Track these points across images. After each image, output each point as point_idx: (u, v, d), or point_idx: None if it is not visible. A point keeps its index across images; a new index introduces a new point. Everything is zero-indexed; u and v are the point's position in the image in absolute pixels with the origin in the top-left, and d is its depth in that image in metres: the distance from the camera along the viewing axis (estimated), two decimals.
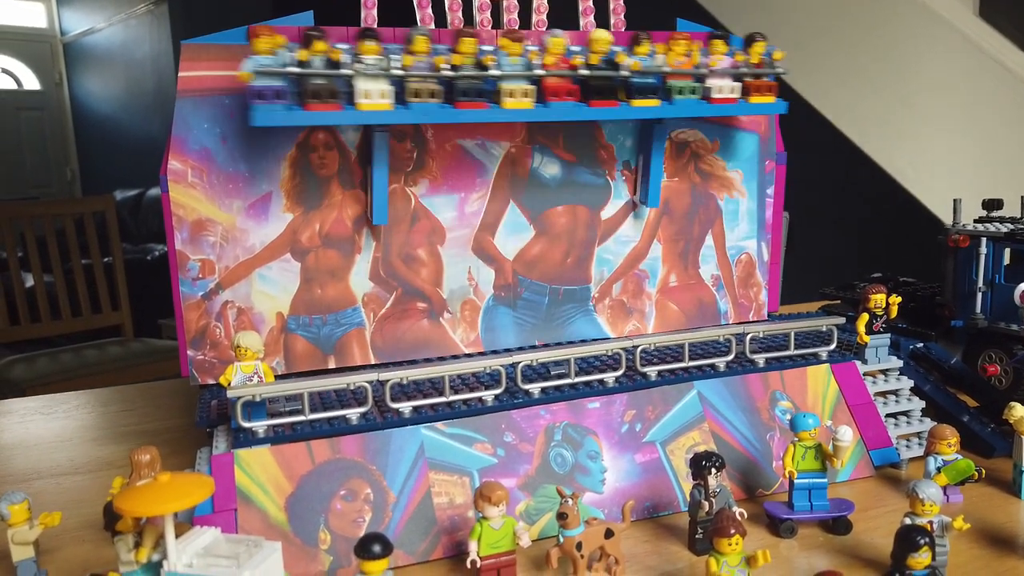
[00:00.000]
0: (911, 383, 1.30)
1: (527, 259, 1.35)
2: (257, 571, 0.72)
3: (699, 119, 1.40)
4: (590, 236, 1.38)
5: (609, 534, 0.90)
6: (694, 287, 1.46)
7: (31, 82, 7.55)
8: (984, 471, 1.11)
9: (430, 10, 1.23)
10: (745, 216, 1.47)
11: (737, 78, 1.26)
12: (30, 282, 3.40)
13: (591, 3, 1.32)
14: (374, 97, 1.06)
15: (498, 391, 1.10)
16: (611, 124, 1.36)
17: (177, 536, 0.73)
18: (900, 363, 1.31)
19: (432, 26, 1.24)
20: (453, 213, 1.30)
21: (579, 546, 0.88)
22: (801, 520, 1.04)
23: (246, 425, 0.99)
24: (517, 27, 1.28)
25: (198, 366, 1.20)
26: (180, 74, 1.12)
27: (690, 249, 1.45)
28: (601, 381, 1.16)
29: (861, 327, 1.28)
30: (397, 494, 1.01)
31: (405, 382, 1.10)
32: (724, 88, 1.25)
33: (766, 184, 1.48)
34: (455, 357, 1.30)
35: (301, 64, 1.02)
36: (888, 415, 1.26)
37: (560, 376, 1.14)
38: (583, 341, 1.37)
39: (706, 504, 0.97)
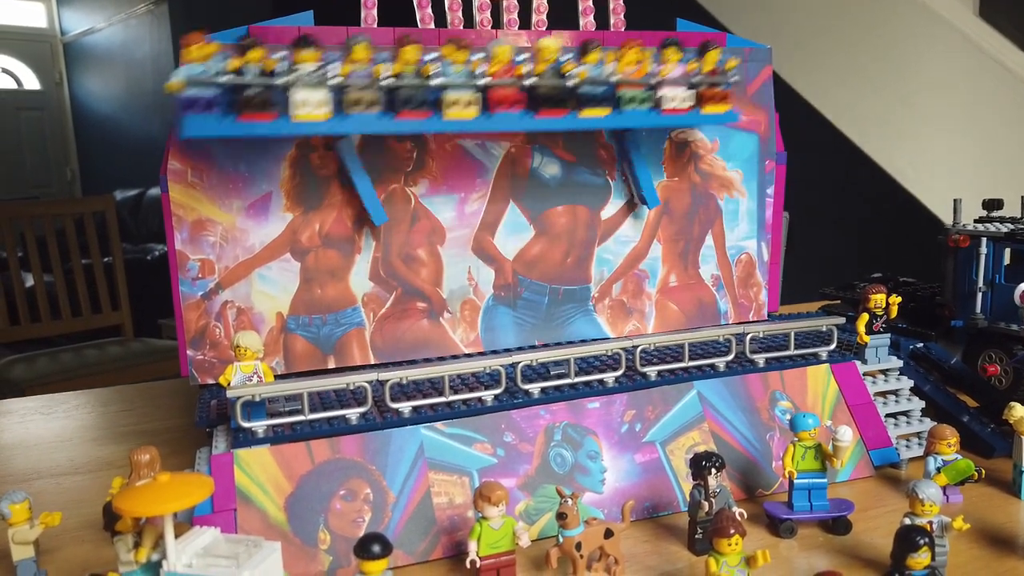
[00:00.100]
0: (911, 383, 1.30)
1: (527, 259, 1.35)
2: (256, 571, 0.72)
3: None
4: (590, 236, 1.38)
5: (609, 534, 0.90)
6: (694, 287, 1.46)
7: (31, 82, 7.55)
8: (984, 471, 1.11)
9: (430, 10, 1.23)
10: (745, 216, 1.47)
11: (691, 87, 1.22)
12: (30, 282, 3.41)
13: (591, 3, 1.32)
14: (310, 107, 1.02)
15: (498, 391, 1.10)
16: None
17: (176, 536, 0.73)
18: (900, 363, 1.31)
19: (432, 26, 1.24)
20: (453, 213, 1.30)
21: (579, 546, 0.88)
22: (801, 520, 1.04)
23: (246, 425, 0.99)
24: (517, 27, 1.28)
25: (198, 366, 1.20)
26: None
27: (690, 249, 1.45)
28: (601, 381, 1.16)
29: (861, 327, 1.28)
30: (397, 494, 1.01)
31: (405, 382, 1.10)
32: (676, 97, 1.20)
33: (766, 184, 1.48)
34: (455, 357, 1.30)
35: (234, 73, 0.99)
36: (888, 415, 1.26)
37: (560, 376, 1.14)
38: (583, 341, 1.37)
39: (706, 504, 0.97)
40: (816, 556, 0.99)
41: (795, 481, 1.04)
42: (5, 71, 7.40)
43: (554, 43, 1.12)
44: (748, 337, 1.25)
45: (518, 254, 1.35)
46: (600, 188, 1.38)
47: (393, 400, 1.06)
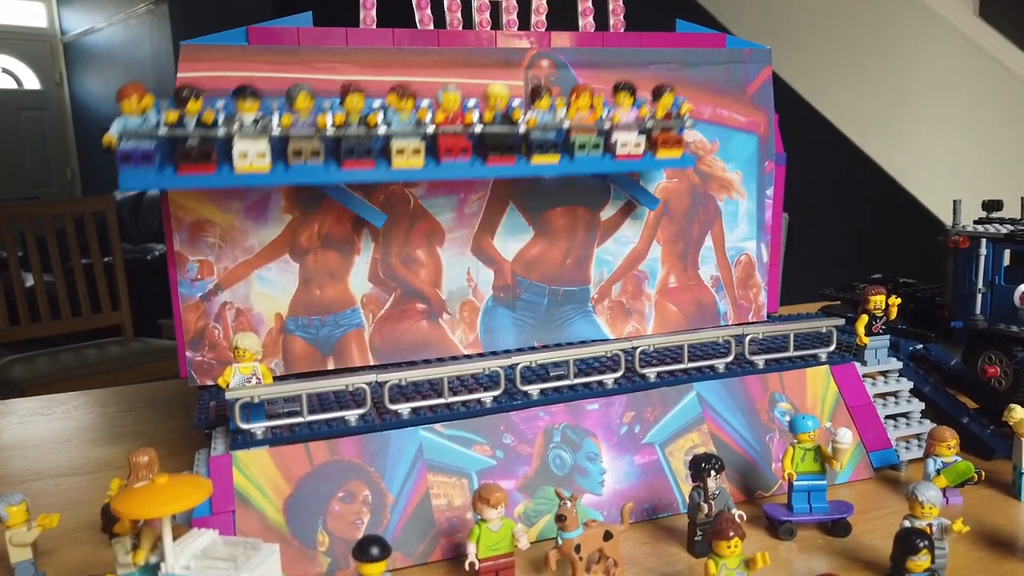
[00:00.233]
0: (911, 385, 1.30)
1: (526, 260, 1.35)
2: (255, 573, 0.72)
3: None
4: (589, 237, 1.38)
5: (608, 536, 0.90)
6: (693, 288, 1.46)
7: (31, 82, 7.56)
8: (984, 473, 1.11)
9: (429, 10, 1.23)
10: (744, 217, 1.47)
11: (643, 131, 1.20)
12: (30, 282, 3.41)
13: (591, 3, 1.32)
14: (251, 158, 1.00)
15: (497, 392, 1.09)
16: None
17: (175, 538, 0.73)
18: (900, 365, 1.31)
19: (431, 27, 1.24)
20: (452, 214, 1.29)
21: (578, 548, 0.88)
22: (800, 522, 1.04)
23: (244, 427, 0.99)
24: (516, 28, 1.28)
25: (197, 367, 1.20)
26: (179, 75, 1.11)
27: (689, 250, 1.45)
28: (600, 382, 1.16)
29: (861, 328, 1.27)
30: (395, 496, 1.00)
31: (404, 383, 1.10)
32: (629, 143, 1.19)
33: (765, 185, 1.48)
34: (454, 358, 1.30)
35: (171, 125, 0.97)
36: (887, 417, 1.26)
37: (559, 377, 1.14)
38: (582, 342, 1.37)
39: (705, 506, 0.97)
40: (815, 558, 0.98)
41: (794, 483, 1.04)
42: (5, 71, 7.40)
43: (503, 90, 1.11)
44: (747, 338, 1.25)
45: (517, 255, 1.34)
46: (599, 189, 1.37)
47: (392, 401, 1.06)
